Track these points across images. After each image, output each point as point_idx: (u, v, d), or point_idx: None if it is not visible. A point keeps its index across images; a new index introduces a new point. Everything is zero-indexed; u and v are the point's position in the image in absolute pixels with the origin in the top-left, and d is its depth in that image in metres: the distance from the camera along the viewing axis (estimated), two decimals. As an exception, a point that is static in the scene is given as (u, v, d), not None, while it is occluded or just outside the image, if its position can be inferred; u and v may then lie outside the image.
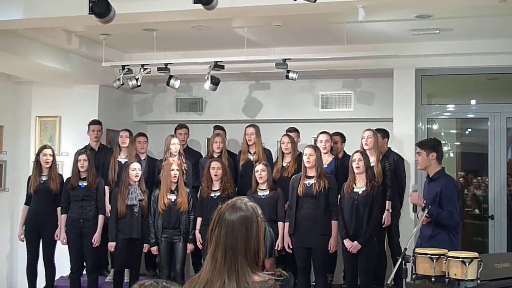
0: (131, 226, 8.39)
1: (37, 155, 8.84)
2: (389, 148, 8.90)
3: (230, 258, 2.84)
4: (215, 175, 8.40)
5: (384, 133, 8.95)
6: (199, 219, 8.47)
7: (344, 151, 9.07)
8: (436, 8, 7.36)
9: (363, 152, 7.87)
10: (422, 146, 6.99)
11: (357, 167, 7.69)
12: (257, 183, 8.29)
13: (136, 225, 8.40)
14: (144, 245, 8.51)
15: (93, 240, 8.48)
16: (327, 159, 8.50)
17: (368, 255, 7.65)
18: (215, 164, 8.46)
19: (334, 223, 7.85)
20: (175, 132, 9.74)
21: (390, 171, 8.37)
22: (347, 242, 7.65)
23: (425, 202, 6.58)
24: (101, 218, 8.56)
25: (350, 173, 7.81)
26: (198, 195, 8.92)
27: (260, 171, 8.22)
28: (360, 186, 7.72)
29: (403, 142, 9.11)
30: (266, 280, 2.86)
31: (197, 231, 8.45)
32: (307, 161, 7.89)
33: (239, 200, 3.01)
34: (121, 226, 8.41)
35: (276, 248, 8.06)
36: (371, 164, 8.15)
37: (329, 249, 7.83)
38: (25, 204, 8.86)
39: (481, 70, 9.24)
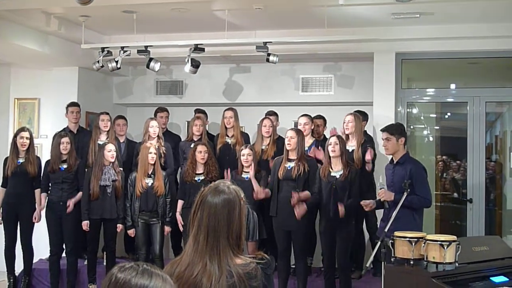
0: (104, 207, 8.38)
1: (14, 137, 8.77)
2: (365, 131, 8.89)
3: (212, 240, 2.85)
4: (202, 158, 8.37)
5: (364, 116, 8.96)
6: (180, 202, 8.46)
7: (323, 134, 9.08)
8: (416, -8, 7.37)
9: (339, 136, 7.85)
10: (392, 132, 6.98)
11: (333, 151, 7.67)
12: (242, 166, 8.28)
13: (109, 206, 8.40)
14: (118, 225, 8.49)
15: (68, 205, 8.47)
16: (307, 141, 8.50)
17: (346, 237, 7.66)
18: (201, 148, 8.43)
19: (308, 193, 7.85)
20: (155, 115, 9.73)
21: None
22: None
23: (404, 184, 6.57)
24: (80, 194, 8.54)
25: (326, 156, 7.80)
26: (179, 178, 8.91)
27: (247, 155, 8.20)
28: (337, 170, 7.70)
29: (383, 125, 9.10)
30: (247, 262, 2.87)
31: (178, 213, 8.44)
32: (288, 144, 7.88)
33: (222, 183, 3.01)
34: (93, 206, 8.39)
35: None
36: (352, 149, 8.17)
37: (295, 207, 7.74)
38: (2, 186, 8.80)
39: (461, 54, 9.28)
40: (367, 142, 8.45)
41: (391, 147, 6.98)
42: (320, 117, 9.20)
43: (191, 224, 2.95)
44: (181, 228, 8.43)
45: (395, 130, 7.05)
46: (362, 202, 7.19)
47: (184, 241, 8.75)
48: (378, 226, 7.37)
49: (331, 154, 7.69)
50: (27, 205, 8.65)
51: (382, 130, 7.16)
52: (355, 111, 8.65)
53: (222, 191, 2.94)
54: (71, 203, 8.48)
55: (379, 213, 8.18)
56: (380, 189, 6.91)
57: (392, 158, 7.11)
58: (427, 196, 6.83)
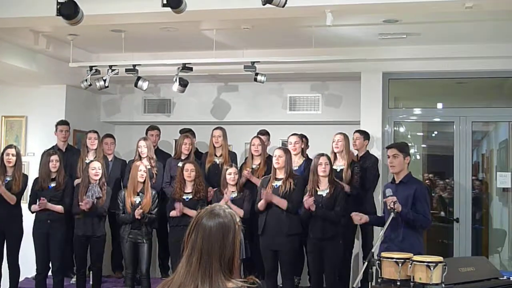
0: (87, 225, 8.32)
1: (1, 154, 8.75)
2: (367, 150, 8.93)
3: (205, 263, 2.85)
4: (188, 176, 8.35)
5: (366, 135, 8.98)
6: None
7: (306, 154, 9.07)
8: (403, 13, 7.42)
9: (329, 156, 7.88)
10: (400, 150, 6.86)
11: (324, 171, 7.70)
12: (227, 185, 8.28)
13: (94, 223, 8.34)
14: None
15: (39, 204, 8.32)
16: (297, 161, 8.52)
17: (334, 257, 7.66)
18: (189, 166, 8.42)
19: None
20: (146, 133, 9.75)
21: (359, 176, 8.40)
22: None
23: (391, 205, 6.54)
24: (61, 208, 8.44)
25: (313, 175, 7.78)
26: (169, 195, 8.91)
27: (234, 174, 8.22)
28: (323, 189, 7.72)
29: (370, 144, 9.18)
30: (239, 286, 2.88)
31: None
32: (276, 162, 7.88)
33: (217, 206, 3.01)
34: (78, 224, 8.36)
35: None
36: (340, 168, 8.20)
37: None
38: None
39: (447, 74, 9.36)
40: (365, 158, 8.50)
41: (398, 164, 6.82)
42: (302, 136, 9.18)
43: (185, 244, 2.95)
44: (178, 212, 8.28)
45: (403, 148, 6.94)
46: (353, 214, 7.14)
47: (171, 261, 8.74)
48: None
49: (321, 174, 7.70)
50: (13, 224, 8.57)
51: (389, 147, 7.03)
52: (357, 130, 8.77)
53: (217, 215, 2.94)
54: (46, 203, 8.29)
55: (376, 232, 8.22)
56: (390, 195, 6.74)
57: (393, 178, 7.03)
58: (428, 216, 6.73)
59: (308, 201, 7.50)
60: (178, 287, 2.87)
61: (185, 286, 2.85)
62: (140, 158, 8.87)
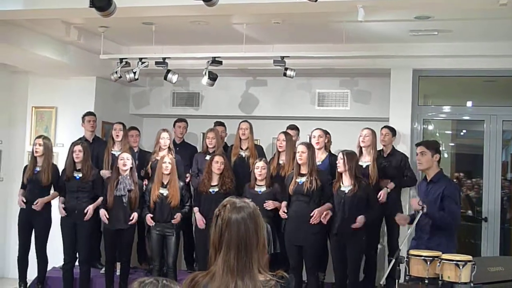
0: (118, 217, 8.40)
1: (32, 145, 8.86)
2: (393, 146, 8.88)
3: (243, 257, 2.85)
4: (218, 169, 8.37)
5: (393, 132, 8.91)
6: (196, 208, 8.49)
7: (329, 150, 9.02)
8: (435, 9, 7.37)
9: (348, 153, 7.77)
10: (428, 147, 6.83)
11: (338, 167, 7.71)
12: (255, 179, 8.29)
13: (124, 216, 8.41)
14: (134, 213, 8.45)
15: (85, 211, 8.45)
16: (321, 155, 8.49)
17: (356, 253, 7.68)
18: (218, 158, 8.44)
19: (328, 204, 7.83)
20: (174, 125, 9.80)
21: (392, 168, 8.39)
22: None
23: (420, 203, 6.52)
24: (100, 199, 8.53)
25: (337, 172, 7.81)
26: (192, 188, 8.96)
27: (261, 168, 8.21)
28: (346, 185, 7.69)
29: (399, 141, 9.13)
30: (268, 280, 2.88)
31: (196, 210, 8.48)
32: (300, 158, 7.86)
33: (236, 199, 3.01)
34: (110, 217, 8.41)
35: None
36: (367, 164, 8.16)
37: (312, 215, 7.72)
38: (21, 188, 8.86)
39: (478, 72, 9.26)
40: (392, 155, 8.47)
41: (425, 161, 6.80)
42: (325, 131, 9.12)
43: (216, 246, 2.93)
44: (202, 225, 8.38)
45: (431, 145, 6.90)
46: (397, 217, 7.11)
47: (196, 253, 8.79)
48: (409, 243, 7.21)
49: (338, 170, 7.71)
50: (40, 214, 8.66)
51: (418, 144, 7.05)
52: (385, 126, 8.79)
53: (243, 207, 2.95)
54: (90, 208, 8.46)
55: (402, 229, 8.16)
56: (413, 197, 6.73)
57: (425, 176, 6.98)
58: (452, 215, 6.60)
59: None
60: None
61: (226, 284, 2.84)
62: (160, 149, 8.92)
